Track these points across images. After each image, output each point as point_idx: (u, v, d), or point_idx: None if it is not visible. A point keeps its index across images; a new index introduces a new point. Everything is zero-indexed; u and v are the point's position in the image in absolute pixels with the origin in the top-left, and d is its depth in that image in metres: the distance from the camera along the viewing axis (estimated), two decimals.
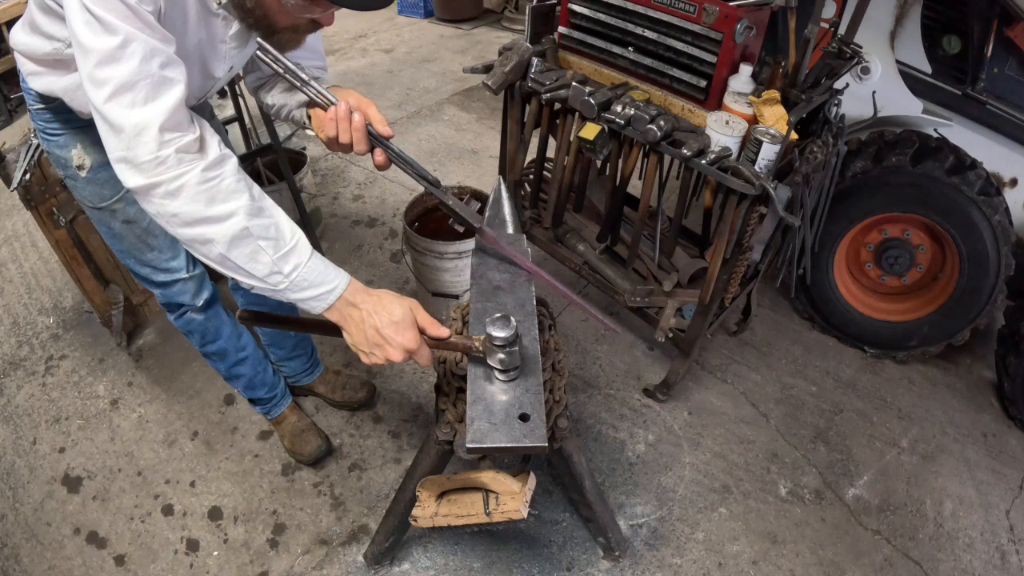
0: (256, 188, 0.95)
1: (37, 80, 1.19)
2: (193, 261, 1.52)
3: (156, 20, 0.90)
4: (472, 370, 1.12)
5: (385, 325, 0.98)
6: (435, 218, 2.34)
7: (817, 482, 1.99)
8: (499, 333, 1.00)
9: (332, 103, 1.11)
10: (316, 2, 0.98)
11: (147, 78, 0.86)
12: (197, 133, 0.92)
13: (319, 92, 1.11)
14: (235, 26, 1.08)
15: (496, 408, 1.05)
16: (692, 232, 2.24)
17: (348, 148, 1.13)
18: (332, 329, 1.04)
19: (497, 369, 1.05)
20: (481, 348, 1.05)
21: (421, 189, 1.75)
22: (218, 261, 0.93)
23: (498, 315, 1.01)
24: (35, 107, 1.28)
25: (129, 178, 0.89)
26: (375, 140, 1.13)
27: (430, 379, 2.20)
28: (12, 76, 3.55)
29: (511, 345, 1.01)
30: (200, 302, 1.57)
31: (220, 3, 1.01)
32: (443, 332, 1.04)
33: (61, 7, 0.89)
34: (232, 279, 0.98)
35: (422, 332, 1.02)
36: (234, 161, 0.95)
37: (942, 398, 2.32)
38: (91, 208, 1.39)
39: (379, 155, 1.14)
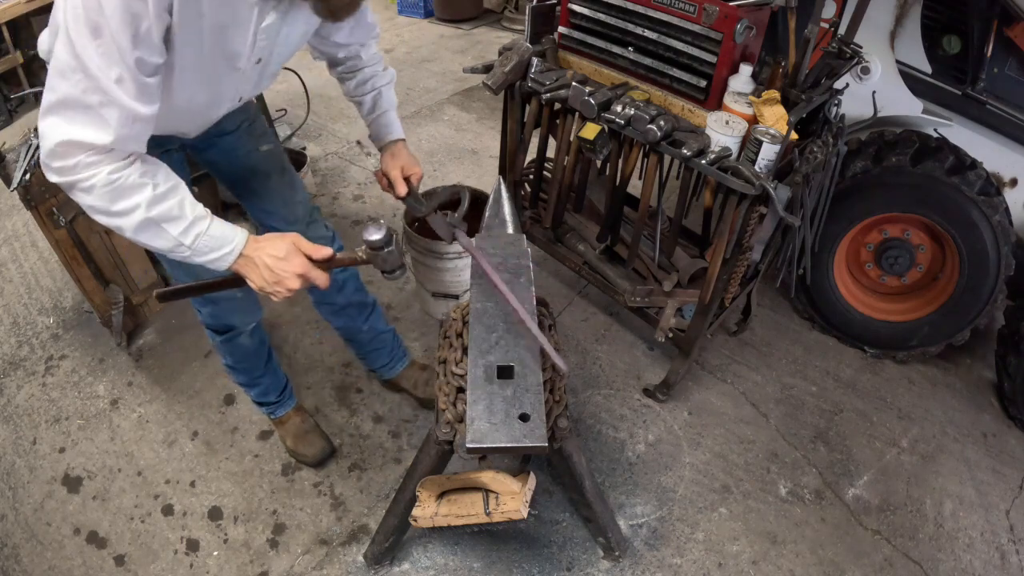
0: (162, 173, 1.03)
1: None
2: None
3: (155, 30, 0.90)
4: (472, 370, 1.12)
5: (274, 262, 1.09)
6: (419, 229, 2.34)
7: (817, 482, 1.99)
8: (373, 237, 1.12)
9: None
10: None
11: (81, 105, 0.92)
12: (107, 141, 0.97)
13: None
14: (269, 16, 1.05)
15: (496, 408, 1.06)
16: (692, 232, 2.24)
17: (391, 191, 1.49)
18: (240, 281, 1.16)
19: (385, 272, 1.18)
20: (364, 256, 1.16)
21: (421, 190, 1.75)
22: (131, 239, 1.05)
23: (370, 221, 1.11)
24: None
25: (51, 175, 0.98)
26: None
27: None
28: (12, 76, 3.55)
29: (387, 245, 1.13)
30: (252, 324, 1.63)
31: None
32: (326, 252, 1.14)
33: None
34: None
35: (309, 259, 1.12)
36: (142, 160, 1.02)
37: (942, 398, 2.32)
38: None
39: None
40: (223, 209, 2.74)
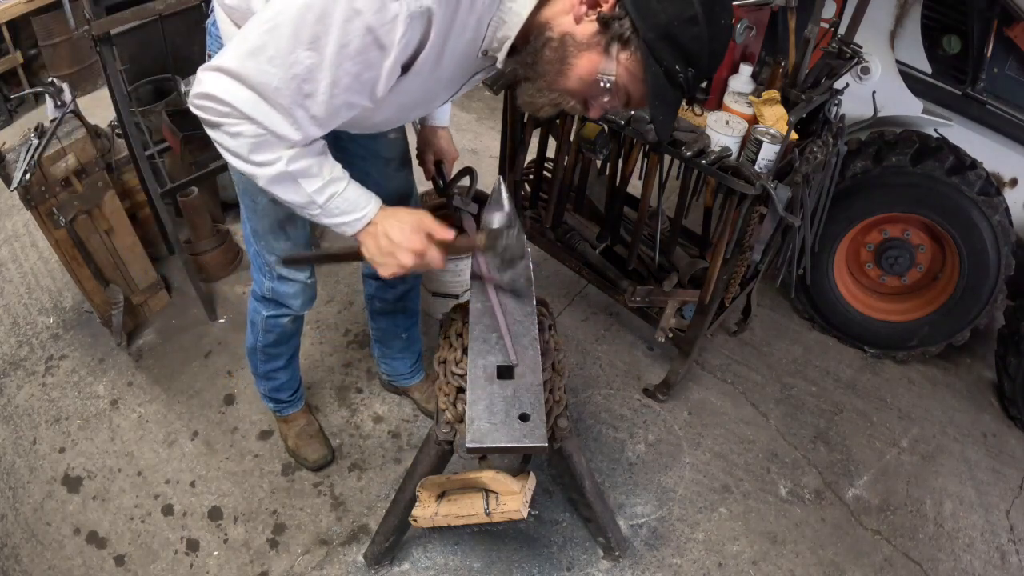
0: (320, 142, 1.00)
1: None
2: (313, 269, 1.55)
3: (383, 80, 0.90)
4: (472, 370, 1.12)
5: (394, 232, 1.05)
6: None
7: (817, 482, 1.99)
8: (495, 224, 1.10)
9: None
10: (618, 96, 0.96)
11: (286, 98, 0.88)
12: (263, 130, 0.95)
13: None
14: (482, 73, 1.07)
15: (496, 408, 1.06)
16: (692, 232, 2.24)
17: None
18: (359, 254, 1.13)
19: (504, 262, 1.14)
20: (484, 243, 1.13)
21: (422, 190, 1.75)
22: (262, 187, 1.02)
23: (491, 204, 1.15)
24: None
25: (196, 111, 0.94)
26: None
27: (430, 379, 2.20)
28: (12, 76, 3.55)
29: (510, 228, 1.10)
30: (305, 311, 1.60)
31: (486, 52, 0.99)
32: (448, 234, 1.10)
33: None
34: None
35: (430, 237, 1.08)
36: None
37: (942, 398, 2.32)
38: (241, 176, 1.32)
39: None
40: (223, 209, 2.74)
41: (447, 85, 1.08)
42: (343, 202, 1.03)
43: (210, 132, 0.97)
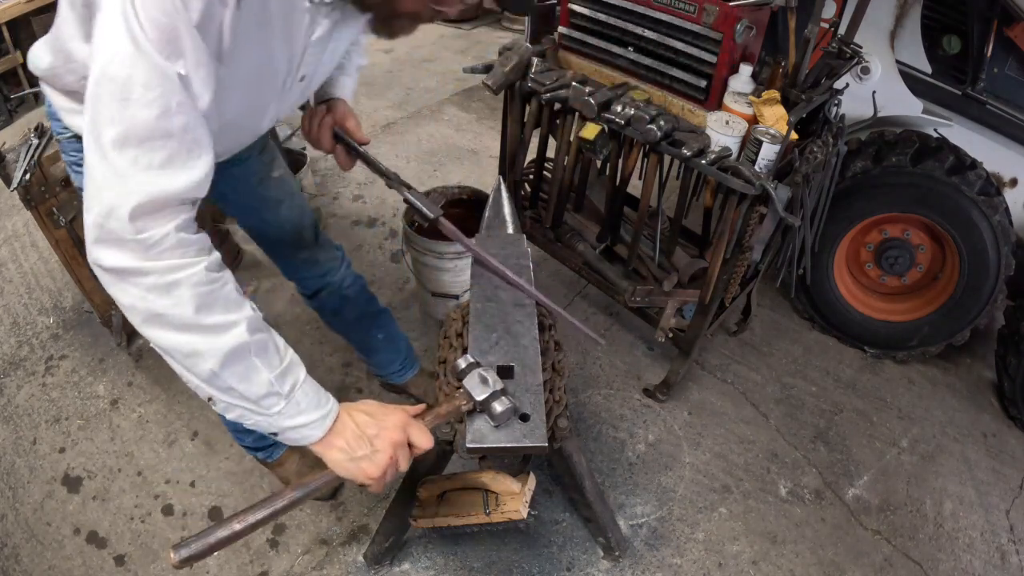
0: (249, 303, 0.84)
1: (73, 118, 1.03)
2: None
3: (216, 36, 0.74)
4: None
5: (375, 413, 0.89)
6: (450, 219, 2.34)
7: (817, 482, 1.99)
8: (479, 396, 0.97)
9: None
10: None
11: (170, 137, 0.70)
12: (196, 179, 0.76)
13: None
14: (321, 27, 0.93)
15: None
16: (692, 232, 2.24)
17: (317, 142, 1.25)
18: (322, 485, 0.88)
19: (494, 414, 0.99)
20: (466, 393, 1.00)
21: (422, 189, 1.75)
22: (205, 379, 0.77)
23: (477, 372, 0.99)
24: (67, 136, 1.09)
25: (105, 255, 0.71)
26: (343, 143, 1.27)
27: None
28: (12, 76, 3.55)
29: (499, 395, 0.98)
30: None
31: (312, 1, 0.85)
32: (417, 408, 0.99)
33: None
34: (207, 400, 0.82)
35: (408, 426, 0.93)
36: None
37: (942, 398, 2.32)
38: None
39: (340, 154, 1.26)
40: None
41: (287, 46, 0.92)
42: (306, 395, 0.83)
43: (137, 308, 0.73)
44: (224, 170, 1.26)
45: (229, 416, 0.83)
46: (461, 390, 1.01)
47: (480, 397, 0.98)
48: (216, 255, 0.79)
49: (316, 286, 1.69)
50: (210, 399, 0.81)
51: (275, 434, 0.85)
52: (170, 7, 0.66)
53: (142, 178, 0.69)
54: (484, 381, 0.99)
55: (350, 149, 1.28)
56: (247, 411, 0.81)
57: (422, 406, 1.00)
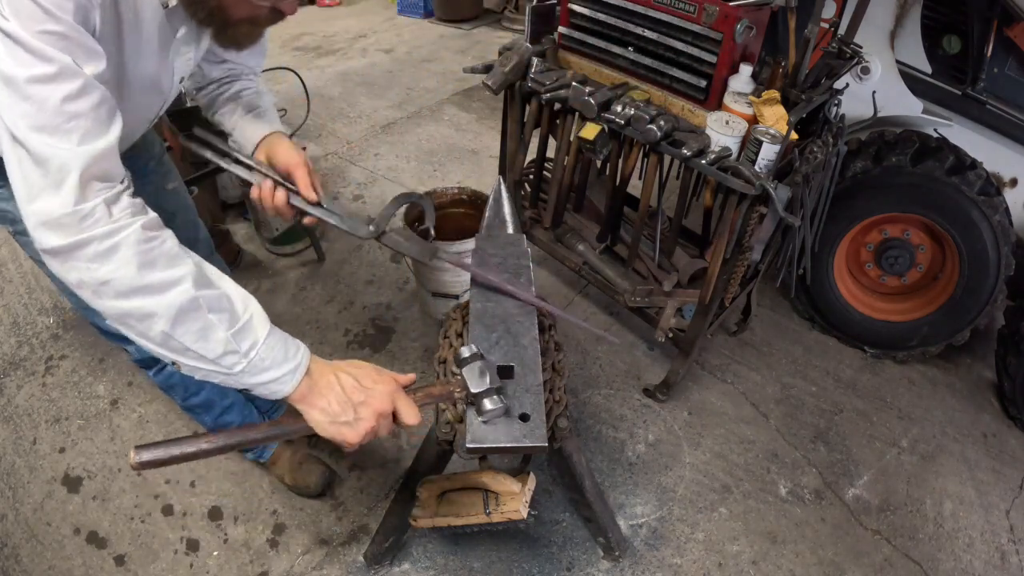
0: (196, 255, 0.83)
1: None
2: None
3: (90, 35, 0.75)
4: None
5: (362, 377, 0.87)
6: (436, 218, 2.34)
7: (817, 482, 1.99)
8: (474, 388, 0.97)
9: (255, 183, 1.10)
10: None
11: (79, 116, 0.72)
12: (127, 184, 0.79)
13: (248, 168, 1.10)
14: (185, 26, 0.93)
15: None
16: (692, 232, 2.24)
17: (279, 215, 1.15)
18: (276, 429, 0.87)
19: (483, 394, 1.00)
20: (463, 394, 1.00)
21: (421, 189, 1.75)
22: (159, 342, 0.77)
23: (478, 365, 0.99)
24: None
25: (47, 237, 0.73)
26: (299, 209, 1.16)
27: (430, 379, 2.20)
28: None
29: (493, 393, 0.98)
30: None
31: (166, 5, 0.87)
32: (409, 377, 0.97)
33: None
34: (171, 365, 0.81)
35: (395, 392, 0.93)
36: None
37: (942, 398, 2.32)
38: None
39: (307, 219, 1.16)
40: (223, 209, 2.74)
41: (158, 56, 0.92)
42: (271, 350, 0.82)
43: (85, 281, 0.74)
44: None
45: (197, 377, 0.81)
46: (458, 377, 1.01)
47: (475, 389, 0.98)
48: (153, 215, 0.79)
49: None
50: (174, 363, 0.80)
51: (248, 390, 0.84)
52: (45, 14, 0.69)
53: (63, 158, 0.71)
54: (482, 374, 0.99)
55: (310, 213, 1.17)
56: (209, 372, 0.80)
57: (412, 376, 0.98)
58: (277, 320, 2.40)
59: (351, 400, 0.85)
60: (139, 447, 0.77)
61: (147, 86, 0.95)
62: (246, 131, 1.21)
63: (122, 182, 0.79)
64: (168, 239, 0.78)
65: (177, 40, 0.94)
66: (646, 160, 1.78)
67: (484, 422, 1.00)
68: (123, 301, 0.74)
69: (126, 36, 0.84)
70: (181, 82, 1.03)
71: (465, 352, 1.03)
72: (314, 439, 1.82)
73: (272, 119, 1.25)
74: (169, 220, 1.32)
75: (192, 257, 0.80)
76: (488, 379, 0.99)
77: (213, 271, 0.83)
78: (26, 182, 0.73)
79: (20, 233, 1.12)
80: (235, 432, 0.84)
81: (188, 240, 1.37)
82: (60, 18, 0.70)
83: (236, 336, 0.79)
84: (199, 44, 1.02)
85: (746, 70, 1.62)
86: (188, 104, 2.26)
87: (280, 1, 0.89)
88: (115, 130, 0.77)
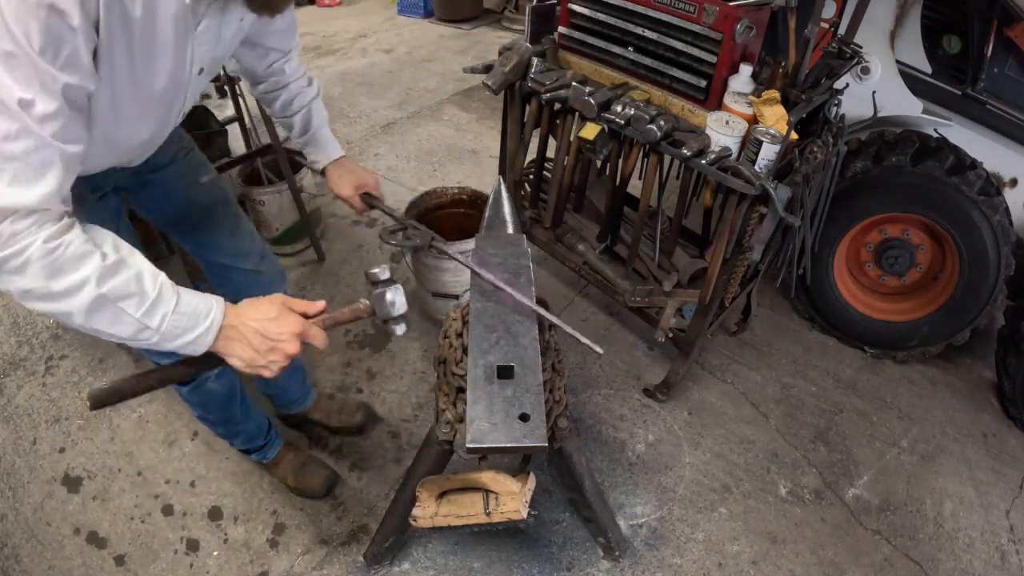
0: (110, 240, 0.87)
1: None
2: None
3: (84, 50, 0.76)
4: (472, 370, 1.12)
5: (266, 325, 0.93)
6: (435, 218, 2.34)
7: (817, 482, 1.99)
8: (380, 274, 1.06)
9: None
10: None
11: (15, 160, 0.75)
12: (34, 199, 0.81)
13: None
14: (205, 19, 0.94)
15: (496, 408, 1.05)
16: (692, 232, 2.24)
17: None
18: (205, 364, 0.96)
19: (393, 319, 1.08)
20: (368, 304, 1.07)
21: (421, 189, 1.75)
22: (81, 329, 0.86)
23: (388, 291, 1.08)
24: None
25: None
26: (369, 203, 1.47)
27: (430, 379, 2.20)
28: None
29: (392, 283, 1.06)
30: (218, 367, 1.49)
31: None
32: (318, 306, 1.03)
33: None
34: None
35: (304, 315, 1.00)
36: (80, 226, 0.85)
37: (942, 398, 2.32)
38: None
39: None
40: None
41: (175, 48, 0.92)
42: (181, 318, 0.88)
43: (11, 290, 0.80)
44: (147, 178, 1.26)
45: (117, 338, 0.89)
46: (365, 302, 1.08)
47: (383, 315, 1.06)
48: (61, 223, 0.82)
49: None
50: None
51: (172, 352, 0.93)
52: (7, 38, 0.70)
53: None
54: (391, 303, 1.06)
55: (378, 208, 1.45)
56: (131, 343, 0.89)
57: (322, 304, 1.03)
58: None
59: (260, 351, 0.94)
60: (92, 392, 0.91)
61: (164, 83, 0.96)
62: (314, 155, 1.47)
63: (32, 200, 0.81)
64: (72, 243, 0.81)
65: (196, 33, 0.94)
66: (646, 160, 1.78)
67: (386, 323, 1.09)
68: (43, 304, 0.82)
69: (137, 38, 0.84)
70: (200, 73, 1.03)
71: (381, 275, 1.08)
72: (314, 443, 1.87)
73: (327, 140, 1.47)
74: (207, 213, 1.37)
75: (101, 248, 0.84)
76: (396, 306, 1.07)
77: (124, 250, 0.87)
78: None
79: None
80: (177, 370, 0.97)
81: (229, 231, 1.43)
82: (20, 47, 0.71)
83: (146, 315, 0.86)
84: (220, 34, 1.01)
85: (746, 70, 1.62)
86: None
87: None
88: (46, 184, 0.79)
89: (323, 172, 1.48)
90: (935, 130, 2.18)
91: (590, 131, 1.74)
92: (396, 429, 2.05)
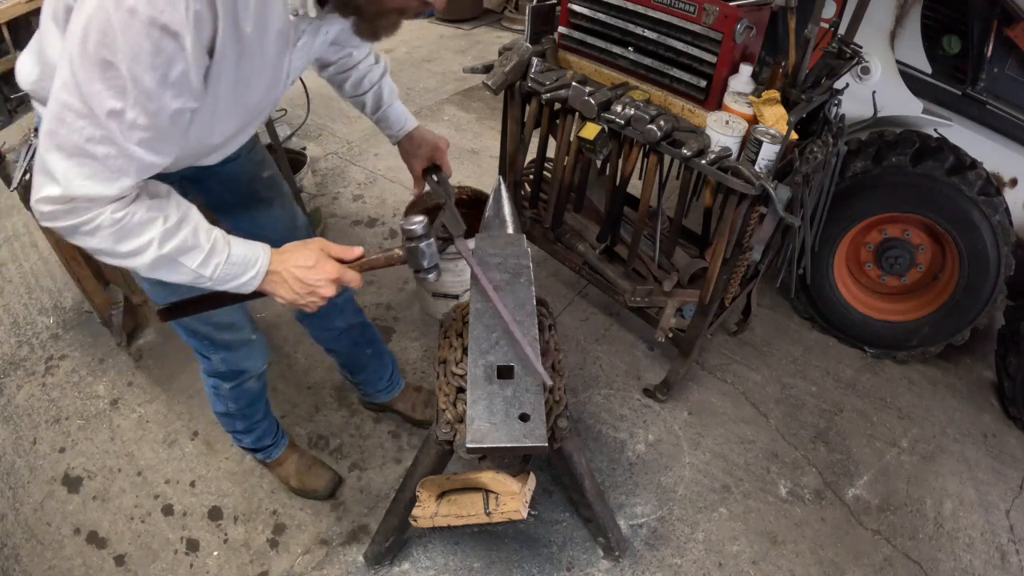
0: (172, 202, 0.96)
1: None
2: (254, 324, 1.48)
3: (194, 72, 0.81)
4: (472, 370, 1.12)
5: (304, 272, 1.05)
6: (435, 218, 2.34)
7: (817, 482, 1.99)
8: (412, 226, 1.08)
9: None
10: None
11: (84, 155, 0.82)
12: (111, 194, 0.89)
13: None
14: (305, 35, 0.99)
15: (496, 408, 1.06)
16: (692, 232, 2.24)
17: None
18: (252, 297, 1.10)
19: (420, 270, 1.13)
20: (400, 252, 1.12)
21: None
22: (145, 277, 1.00)
23: (407, 215, 1.12)
24: None
25: (44, 222, 0.89)
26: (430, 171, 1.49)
27: (430, 379, 2.20)
28: (12, 76, 3.55)
29: (427, 237, 1.10)
30: (265, 365, 1.54)
31: (297, 14, 0.90)
32: (356, 252, 1.11)
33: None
34: None
35: (340, 261, 1.09)
36: (147, 192, 0.93)
37: (942, 398, 2.32)
38: None
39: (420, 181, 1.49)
40: None
41: (274, 63, 0.98)
42: (232, 267, 1.00)
43: (72, 240, 0.91)
44: (216, 171, 1.30)
45: (177, 283, 1.00)
46: (399, 251, 1.12)
47: (415, 267, 1.11)
48: (127, 197, 0.90)
49: None
50: None
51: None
52: (109, 48, 0.75)
53: (71, 178, 0.84)
54: (424, 256, 1.11)
55: (440, 182, 1.46)
56: (186, 284, 1.00)
57: (359, 250, 1.12)
58: (276, 320, 2.40)
59: (300, 293, 1.06)
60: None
61: (260, 95, 1.03)
62: (387, 129, 1.52)
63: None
64: (137, 212, 0.90)
65: (296, 48, 1.00)
66: (646, 160, 1.78)
67: (420, 272, 1.14)
68: (114, 260, 0.94)
69: (245, 54, 0.89)
70: (291, 81, 1.09)
71: (418, 230, 1.09)
72: (313, 444, 1.89)
73: (399, 114, 1.50)
74: (267, 208, 1.44)
75: (164, 213, 0.93)
76: (428, 258, 1.12)
77: (183, 207, 0.97)
78: (43, 169, 0.85)
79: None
80: (226, 294, 1.07)
81: (286, 228, 1.50)
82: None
83: (201, 265, 0.97)
84: (313, 47, 1.07)
85: (746, 70, 1.62)
86: None
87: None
88: (121, 184, 0.87)
89: (399, 144, 1.53)
90: (935, 130, 2.18)
91: (590, 131, 1.74)
92: (396, 429, 2.05)
